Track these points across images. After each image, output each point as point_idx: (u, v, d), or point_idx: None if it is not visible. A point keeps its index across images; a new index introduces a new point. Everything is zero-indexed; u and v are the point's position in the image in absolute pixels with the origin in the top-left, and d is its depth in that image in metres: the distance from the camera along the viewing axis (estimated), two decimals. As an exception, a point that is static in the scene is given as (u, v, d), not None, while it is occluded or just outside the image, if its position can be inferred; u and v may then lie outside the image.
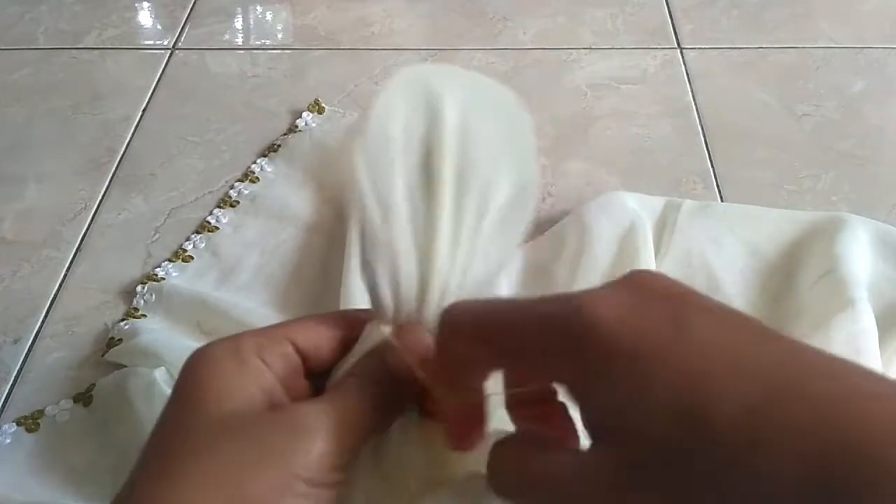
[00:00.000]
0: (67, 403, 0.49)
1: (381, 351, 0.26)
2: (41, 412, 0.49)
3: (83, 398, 0.49)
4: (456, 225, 0.27)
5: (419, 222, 0.26)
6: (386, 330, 0.27)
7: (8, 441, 0.47)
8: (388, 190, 0.26)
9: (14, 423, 0.48)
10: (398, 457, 0.27)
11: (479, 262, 0.27)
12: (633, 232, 0.55)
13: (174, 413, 0.25)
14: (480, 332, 0.24)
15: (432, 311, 0.27)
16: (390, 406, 0.26)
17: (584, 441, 0.22)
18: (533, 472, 0.22)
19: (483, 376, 0.25)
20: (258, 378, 0.25)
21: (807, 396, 0.18)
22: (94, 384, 0.50)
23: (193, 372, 0.25)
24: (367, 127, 0.26)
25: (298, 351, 0.26)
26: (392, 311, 0.27)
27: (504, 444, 0.24)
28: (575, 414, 0.23)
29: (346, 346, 0.27)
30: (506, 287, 0.54)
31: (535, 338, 0.22)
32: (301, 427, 0.23)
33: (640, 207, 0.58)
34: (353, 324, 0.28)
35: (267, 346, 0.26)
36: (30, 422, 0.48)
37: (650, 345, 0.19)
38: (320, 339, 0.27)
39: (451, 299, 0.27)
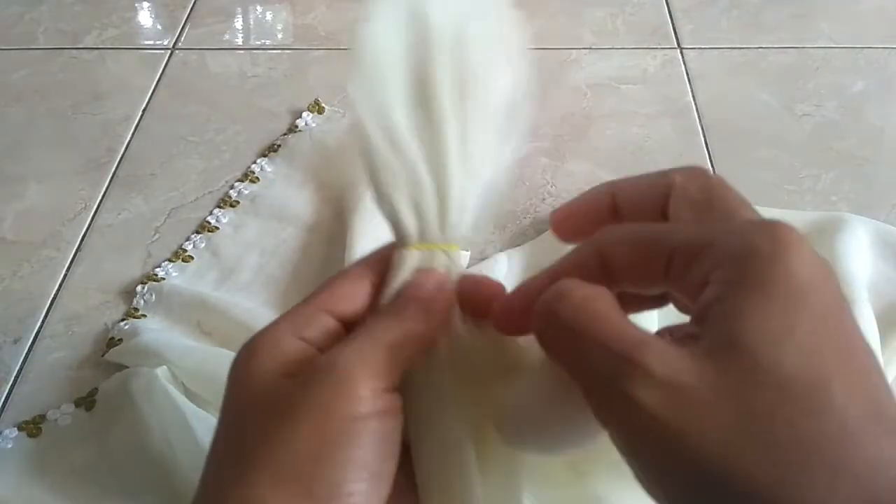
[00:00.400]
0: (69, 408, 0.49)
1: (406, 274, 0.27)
2: (43, 417, 0.49)
3: (85, 402, 0.49)
4: (462, 130, 0.27)
5: (425, 134, 0.27)
6: (414, 253, 0.27)
7: (10, 446, 0.47)
8: (388, 112, 0.26)
9: (15, 428, 0.48)
10: (468, 355, 0.27)
11: (488, 164, 0.28)
12: (633, 232, 0.55)
13: (224, 416, 0.25)
14: (651, 235, 0.23)
15: (454, 223, 0.27)
16: (416, 323, 0.26)
17: None
18: (613, 332, 0.21)
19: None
20: (299, 357, 0.25)
21: None
22: (96, 389, 0.50)
23: (234, 372, 0.25)
24: (357, 56, 0.26)
25: (337, 316, 0.26)
26: (416, 232, 0.27)
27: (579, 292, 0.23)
28: None
29: (380, 290, 0.27)
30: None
31: (710, 238, 0.21)
32: (324, 370, 0.23)
33: (640, 207, 0.58)
34: (379, 266, 0.28)
35: (303, 324, 0.26)
36: (31, 426, 0.48)
37: (826, 298, 0.20)
38: (354, 297, 0.27)
39: (469, 208, 0.27)
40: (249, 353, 0.25)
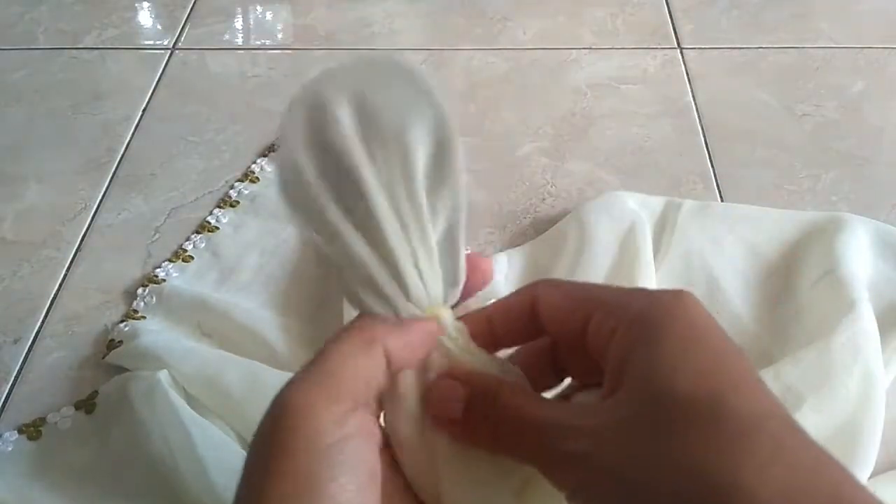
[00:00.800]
0: (69, 410, 0.49)
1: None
2: (43, 420, 0.48)
3: (85, 405, 0.49)
4: (394, 200, 0.26)
5: (361, 220, 0.26)
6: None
7: (10, 449, 0.47)
8: (323, 217, 0.26)
9: (15, 431, 0.48)
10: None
11: (435, 218, 0.27)
12: (633, 232, 0.55)
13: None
14: (576, 297, 0.27)
15: (419, 297, 0.27)
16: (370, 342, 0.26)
17: None
18: (526, 414, 0.24)
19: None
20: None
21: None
22: (96, 391, 0.50)
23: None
24: (282, 177, 0.26)
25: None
26: (395, 314, 0.27)
27: (486, 390, 0.26)
28: None
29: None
30: (504, 287, 0.54)
31: (619, 302, 0.25)
32: (282, 409, 0.23)
33: (640, 207, 0.58)
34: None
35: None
36: (31, 429, 0.48)
37: (720, 340, 0.24)
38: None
39: (430, 272, 0.27)
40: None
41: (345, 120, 0.26)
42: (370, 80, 0.27)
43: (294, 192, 0.26)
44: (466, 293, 0.29)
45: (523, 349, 0.29)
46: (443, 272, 0.28)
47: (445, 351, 0.27)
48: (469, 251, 0.29)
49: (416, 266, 0.27)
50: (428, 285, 0.27)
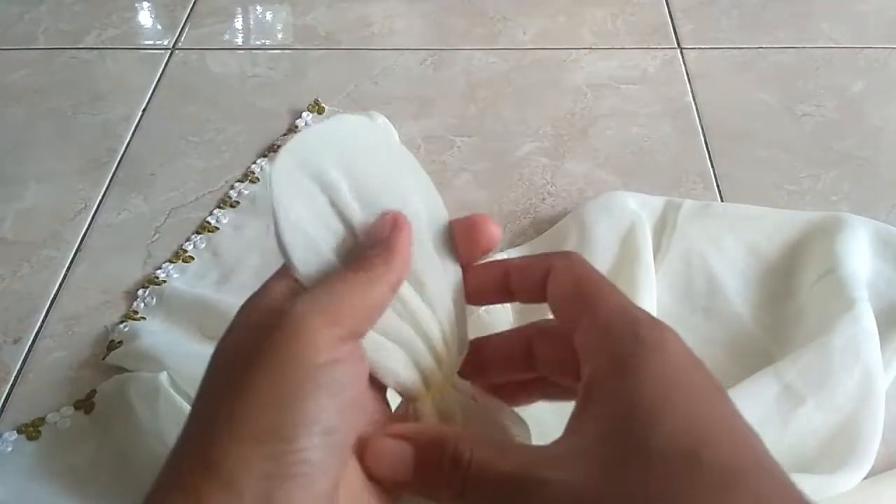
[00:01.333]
0: (68, 411, 0.49)
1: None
2: (42, 420, 0.48)
3: (84, 405, 0.49)
4: (414, 274, 0.27)
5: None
6: (427, 403, 0.27)
7: (9, 450, 0.47)
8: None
9: (15, 431, 0.48)
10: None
11: (442, 286, 0.28)
12: (633, 232, 0.55)
13: (206, 371, 0.24)
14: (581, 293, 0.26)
15: (445, 360, 0.27)
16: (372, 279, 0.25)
17: None
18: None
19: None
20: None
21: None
22: (94, 390, 0.50)
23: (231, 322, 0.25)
24: (284, 236, 0.25)
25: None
26: (422, 386, 0.27)
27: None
28: None
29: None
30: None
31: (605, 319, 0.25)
32: (280, 320, 0.23)
33: (640, 207, 0.58)
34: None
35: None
36: (31, 429, 0.48)
37: (697, 381, 0.23)
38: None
39: (451, 338, 0.27)
40: (245, 305, 0.25)
41: (345, 191, 0.27)
42: (359, 149, 0.27)
43: (303, 247, 0.26)
44: (471, 258, 0.28)
45: (501, 337, 0.29)
46: (457, 341, 0.28)
47: (460, 409, 0.27)
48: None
49: (444, 338, 0.27)
50: (451, 354, 0.28)
